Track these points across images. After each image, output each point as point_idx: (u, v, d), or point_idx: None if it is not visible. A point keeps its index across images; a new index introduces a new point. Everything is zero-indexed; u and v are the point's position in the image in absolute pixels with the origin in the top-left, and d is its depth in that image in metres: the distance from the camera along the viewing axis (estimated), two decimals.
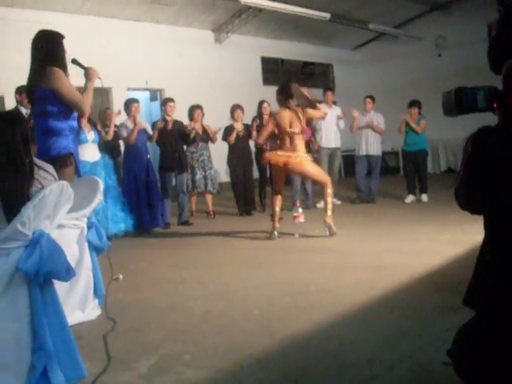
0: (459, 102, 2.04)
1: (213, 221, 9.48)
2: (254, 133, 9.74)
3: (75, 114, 4.75)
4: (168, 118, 8.94)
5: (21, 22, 10.59)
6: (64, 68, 4.60)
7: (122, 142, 9.11)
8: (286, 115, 7.35)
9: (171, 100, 9.16)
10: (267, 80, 16.33)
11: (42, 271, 2.85)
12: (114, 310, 4.33)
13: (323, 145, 10.46)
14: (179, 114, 9.40)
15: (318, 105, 7.86)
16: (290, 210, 8.27)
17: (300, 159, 7.33)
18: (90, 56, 9.25)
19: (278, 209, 7.52)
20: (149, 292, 5.04)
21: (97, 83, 4.85)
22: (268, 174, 9.83)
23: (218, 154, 10.59)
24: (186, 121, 9.43)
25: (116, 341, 3.74)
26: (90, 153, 7.90)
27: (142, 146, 8.56)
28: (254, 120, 9.98)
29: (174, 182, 9.10)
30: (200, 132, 9.42)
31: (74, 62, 4.83)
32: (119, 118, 9.10)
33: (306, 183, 10.05)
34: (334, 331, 3.74)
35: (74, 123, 4.76)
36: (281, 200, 7.62)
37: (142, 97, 13.29)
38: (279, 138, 7.49)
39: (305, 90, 7.73)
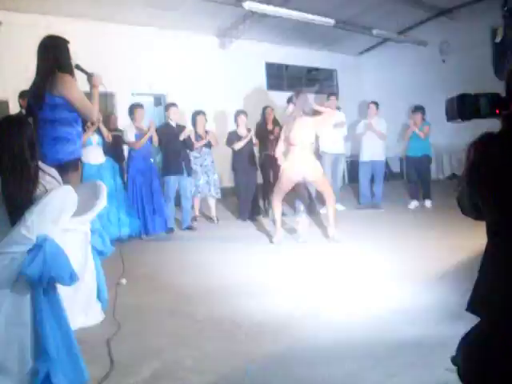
0: (462, 108, 2.04)
1: (216, 226, 9.48)
2: (255, 140, 9.79)
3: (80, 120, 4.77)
4: (172, 123, 8.95)
5: (25, 26, 10.62)
6: (72, 74, 4.63)
7: (125, 147, 9.10)
8: (297, 126, 7.33)
9: (174, 105, 9.17)
10: (271, 85, 16.35)
11: (46, 276, 2.85)
12: (117, 314, 4.33)
13: (327, 150, 10.44)
14: (183, 118, 9.41)
15: (324, 109, 7.85)
16: (294, 215, 8.26)
17: (315, 171, 7.34)
18: (94, 60, 9.28)
19: (279, 213, 7.53)
20: (152, 296, 5.05)
21: (100, 88, 4.87)
22: (271, 179, 9.85)
23: (222, 158, 10.60)
24: (189, 126, 9.44)
25: (119, 345, 3.74)
26: (94, 155, 7.92)
27: (145, 151, 8.57)
28: (257, 126, 10.02)
29: (177, 187, 9.11)
30: (203, 137, 9.42)
31: (78, 67, 4.85)
32: (121, 122, 9.13)
33: (309, 188, 10.04)
34: (337, 337, 3.74)
35: (80, 128, 4.80)
36: (281, 205, 7.64)
37: (146, 102, 13.29)
38: (288, 149, 7.45)
39: (316, 103, 7.73)
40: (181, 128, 9.06)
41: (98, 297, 4.31)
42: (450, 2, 15.89)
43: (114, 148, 8.73)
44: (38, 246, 2.89)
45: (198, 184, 9.39)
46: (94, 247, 4.24)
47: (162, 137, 8.75)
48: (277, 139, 7.65)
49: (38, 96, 4.57)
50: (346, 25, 15.28)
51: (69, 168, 4.51)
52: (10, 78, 10.23)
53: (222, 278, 5.66)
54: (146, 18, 12.83)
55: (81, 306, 4.12)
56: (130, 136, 8.45)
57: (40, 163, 3.18)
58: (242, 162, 9.80)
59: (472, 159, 1.91)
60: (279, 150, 7.60)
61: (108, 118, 9.59)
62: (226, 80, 14.41)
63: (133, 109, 8.67)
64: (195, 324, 4.18)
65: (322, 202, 7.96)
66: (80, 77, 4.89)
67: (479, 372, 2.06)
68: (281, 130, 7.57)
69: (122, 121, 9.28)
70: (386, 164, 11.96)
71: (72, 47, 4.78)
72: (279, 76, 16.90)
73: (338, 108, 10.92)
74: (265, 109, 10.19)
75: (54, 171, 3.28)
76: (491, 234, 1.97)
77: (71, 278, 3.05)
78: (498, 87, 2.06)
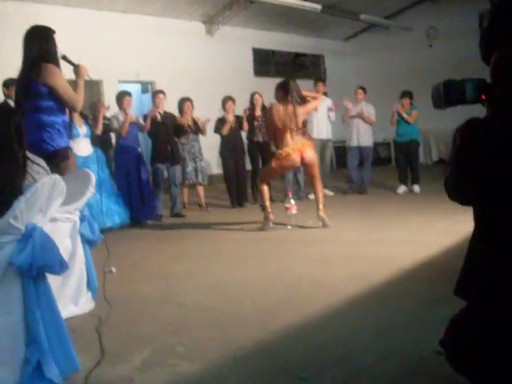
0: (448, 94, 2.05)
1: (205, 213, 9.48)
2: (246, 124, 9.78)
3: (67, 109, 4.79)
4: (158, 111, 8.91)
5: (8, 14, 10.54)
6: (58, 64, 4.66)
7: (113, 135, 9.07)
8: (286, 112, 7.32)
9: (161, 92, 9.14)
10: (258, 71, 16.30)
11: (35, 265, 2.85)
12: (107, 303, 4.33)
13: (314, 136, 10.43)
14: (171, 106, 9.38)
15: (311, 94, 7.86)
16: (283, 201, 8.28)
17: (313, 151, 7.38)
18: (80, 48, 9.25)
19: (268, 199, 7.54)
20: (142, 285, 5.05)
21: (86, 78, 4.90)
22: (260, 165, 9.85)
23: (210, 145, 10.58)
24: (177, 113, 9.42)
25: (109, 334, 3.75)
26: (82, 147, 7.86)
27: (133, 139, 8.56)
28: (245, 111, 9.99)
29: (165, 175, 9.10)
30: (191, 124, 9.40)
31: (64, 58, 4.87)
32: (109, 110, 9.09)
33: (297, 174, 10.06)
34: (326, 323, 3.76)
35: (67, 118, 4.81)
36: (269, 190, 7.67)
37: (133, 89, 13.21)
38: (279, 136, 7.42)
39: (303, 90, 7.72)
40: (168, 115, 9.04)
41: (88, 285, 4.31)
42: None
43: (101, 136, 8.70)
44: (27, 236, 2.88)
45: (185, 171, 9.38)
46: (83, 236, 4.23)
47: (150, 124, 8.73)
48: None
49: (24, 85, 4.60)
50: (332, 10, 15.24)
51: (57, 157, 4.54)
52: None
53: (211, 266, 5.68)
54: (132, 5, 12.75)
55: (70, 295, 4.12)
56: (115, 124, 8.44)
57: (27, 153, 3.17)
58: (231, 148, 9.80)
59: (458, 145, 1.92)
60: (274, 140, 7.58)
61: (94, 105, 9.54)
62: (213, 66, 14.37)
63: (120, 96, 8.64)
64: (185, 312, 4.19)
65: (310, 186, 7.96)
66: (66, 66, 4.88)
67: (466, 351, 2.09)
68: (270, 109, 7.51)
69: (111, 108, 9.22)
70: (374, 149, 11.98)
71: (58, 35, 4.77)
72: (266, 62, 16.85)
73: (326, 93, 10.91)
74: (253, 95, 10.16)
75: (41, 161, 3.28)
76: (477, 218, 1.99)
77: (61, 267, 3.05)
78: (486, 72, 2.07)
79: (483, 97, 1.98)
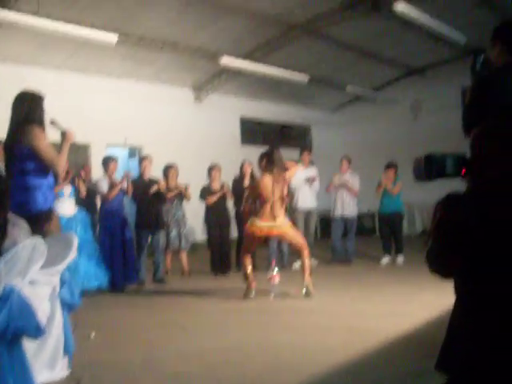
0: (429, 168, 2.09)
1: (188, 280, 9.40)
2: (230, 193, 9.84)
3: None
4: (145, 177, 8.99)
5: (2, 76, 10.66)
6: (42, 127, 4.73)
7: (98, 199, 9.08)
8: (269, 182, 7.40)
9: (147, 157, 9.23)
10: (245, 140, 16.49)
11: (11, 328, 2.81)
12: (84, 368, 4.24)
13: (299, 205, 10.48)
14: (157, 171, 9.43)
15: (288, 163, 7.96)
16: (266, 269, 8.24)
17: (281, 228, 7.39)
18: (70, 112, 9.36)
19: (250, 268, 7.50)
20: (120, 351, 4.95)
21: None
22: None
23: (195, 212, 10.59)
24: (162, 179, 9.46)
25: None
26: (66, 207, 7.88)
27: (117, 203, 8.57)
28: (233, 180, 10.06)
29: (149, 240, 9.07)
30: (175, 190, 9.42)
31: (53, 123, 4.93)
32: (95, 173, 9.13)
33: (282, 243, 10.04)
34: None
35: (52, 179, 4.83)
36: (251, 259, 7.65)
37: (121, 154, 13.33)
38: (260, 204, 7.51)
39: (287, 162, 7.84)
40: (153, 182, 9.09)
41: (65, 351, 4.22)
42: (421, 62, 16.37)
43: (86, 199, 8.70)
44: (5, 298, 2.84)
45: (169, 237, 9.36)
46: (63, 299, 4.17)
47: (136, 190, 8.77)
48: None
49: (10, 148, 4.69)
50: (320, 82, 15.59)
51: (40, 219, 4.55)
52: None
53: (192, 334, 5.60)
54: (123, 71, 12.96)
55: (47, 360, 4.02)
56: (102, 188, 8.46)
57: (9, 214, 3.16)
58: (215, 215, 9.80)
59: (438, 218, 1.94)
60: (248, 205, 7.64)
61: (82, 169, 9.58)
62: (201, 133, 14.54)
63: (106, 161, 8.70)
64: (163, 380, 4.11)
65: (296, 256, 7.95)
66: (55, 130, 4.94)
67: None
68: (253, 183, 7.62)
69: (97, 172, 9.26)
70: (359, 219, 12.03)
71: (49, 97, 4.87)
72: (253, 131, 17.06)
73: (311, 163, 11.02)
74: (243, 164, 10.22)
75: (23, 222, 3.26)
76: (458, 291, 2.00)
77: (37, 331, 3.00)
78: (468, 146, 2.11)
79: (463, 172, 2.01)
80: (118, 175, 8.79)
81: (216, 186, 9.81)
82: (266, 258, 9.76)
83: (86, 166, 10.26)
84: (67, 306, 4.26)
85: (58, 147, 4.81)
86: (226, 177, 10.11)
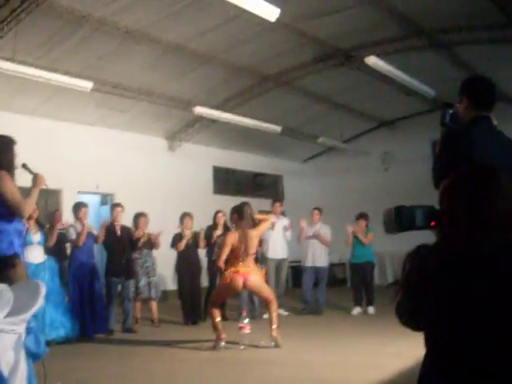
0: (399, 219, 2.11)
1: (157, 329, 9.27)
2: (202, 241, 9.80)
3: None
4: (117, 224, 8.96)
5: None
6: (10, 171, 4.66)
7: (68, 246, 8.99)
8: (242, 237, 7.43)
9: (119, 205, 9.21)
10: (218, 189, 16.49)
11: None
12: None
13: (270, 256, 10.47)
14: (129, 219, 9.38)
15: (262, 217, 8.00)
16: (237, 319, 8.18)
17: (257, 278, 7.39)
18: (43, 157, 9.32)
19: (219, 319, 7.43)
20: None
21: (43, 186, 4.91)
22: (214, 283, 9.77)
23: (165, 260, 10.52)
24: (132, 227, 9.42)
25: None
26: (34, 254, 7.76)
27: (87, 251, 8.50)
28: (206, 229, 10.05)
29: (119, 288, 8.96)
30: (145, 239, 9.37)
31: (24, 166, 4.89)
32: (66, 219, 9.05)
33: (252, 294, 9.98)
34: None
35: (19, 225, 4.74)
36: (219, 310, 7.61)
37: (93, 200, 13.24)
38: (232, 257, 7.50)
39: (258, 214, 7.90)
40: (125, 229, 9.04)
41: None
42: (391, 115, 16.68)
43: (56, 246, 8.61)
44: None
45: (138, 285, 9.26)
46: (28, 349, 4.07)
47: (106, 237, 8.71)
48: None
49: None
50: (292, 132, 15.77)
51: (5, 263, 4.45)
52: None
53: None
54: (97, 118, 12.98)
55: None
56: (72, 234, 8.39)
57: None
58: (186, 264, 9.74)
59: (407, 270, 1.95)
60: (222, 260, 7.63)
61: (53, 215, 9.49)
62: (174, 182, 14.53)
63: (77, 207, 8.65)
64: None
65: (266, 306, 7.90)
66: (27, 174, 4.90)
67: None
68: (226, 235, 7.64)
69: (68, 218, 9.19)
70: (330, 269, 12.04)
71: (22, 143, 4.82)
72: (226, 180, 17.09)
73: (283, 213, 11.07)
74: (216, 213, 10.24)
75: None
76: (427, 342, 2.00)
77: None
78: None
79: (433, 223, 2.03)
80: (89, 221, 8.74)
81: (188, 234, 9.78)
82: (237, 308, 9.69)
83: (57, 211, 10.16)
84: (32, 356, 4.16)
85: (29, 191, 4.76)
86: (198, 225, 10.09)
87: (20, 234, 4.81)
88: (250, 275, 7.33)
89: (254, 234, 7.52)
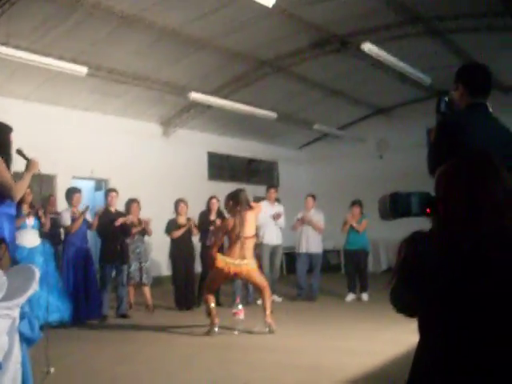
0: (394, 206, 2.11)
1: (151, 314, 9.28)
2: (195, 229, 9.81)
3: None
4: (112, 209, 8.95)
5: None
6: (5, 156, 4.61)
7: (62, 231, 8.97)
8: (237, 221, 7.44)
9: (114, 190, 9.19)
10: (212, 175, 16.47)
11: None
12: None
13: (265, 242, 10.48)
14: (123, 204, 9.37)
15: (255, 204, 8.04)
16: (231, 305, 8.19)
17: (249, 269, 7.40)
18: (38, 142, 9.28)
19: (213, 304, 7.45)
20: None
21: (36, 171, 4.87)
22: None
23: (160, 246, 10.51)
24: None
25: None
26: (28, 238, 7.75)
27: (81, 236, 8.50)
28: (200, 215, 10.05)
29: (113, 274, 8.96)
30: (137, 225, 9.36)
31: (19, 152, 4.85)
32: (61, 205, 9.03)
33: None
34: None
35: (10, 209, 4.69)
36: (214, 296, 7.62)
37: (87, 186, 13.22)
38: (229, 243, 7.53)
39: (252, 203, 7.93)
40: (119, 214, 9.02)
41: None
42: (387, 102, 16.64)
43: (50, 231, 8.59)
44: None
45: (129, 270, 9.24)
46: (22, 334, 4.07)
47: (101, 223, 8.69)
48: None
49: None
50: (287, 119, 15.74)
51: None
52: None
53: (155, 370, 5.51)
54: (91, 103, 12.92)
55: None
56: (65, 220, 8.38)
57: None
58: (180, 250, 9.74)
59: (403, 256, 1.95)
60: (217, 246, 7.66)
61: (47, 200, 9.47)
62: (168, 167, 14.49)
63: (70, 193, 8.63)
64: None
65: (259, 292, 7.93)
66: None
67: None
68: (221, 222, 7.66)
69: (62, 203, 9.17)
70: (324, 256, 12.06)
71: (16, 128, 4.77)
72: (221, 166, 17.06)
73: (278, 200, 11.06)
74: (210, 199, 10.24)
75: None
76: (421, 330, 2.00)
77: None
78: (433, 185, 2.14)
79: (428, 210, 2.03)
80: (81, 207, 8.72)
81: (182, 220, 9.77)
82: (231, 294, 9.71)
83: (51, 196, 10.14)
84: (26, 340, 4.16)
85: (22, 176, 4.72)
86: (192, 211, 10.08)
87: (11, 218, 4.75)
88: (245, 261, 7.34)
89: (252, 216, 7.55)
